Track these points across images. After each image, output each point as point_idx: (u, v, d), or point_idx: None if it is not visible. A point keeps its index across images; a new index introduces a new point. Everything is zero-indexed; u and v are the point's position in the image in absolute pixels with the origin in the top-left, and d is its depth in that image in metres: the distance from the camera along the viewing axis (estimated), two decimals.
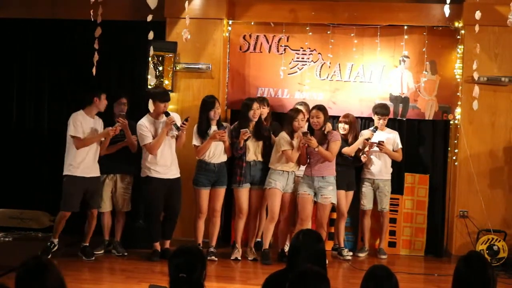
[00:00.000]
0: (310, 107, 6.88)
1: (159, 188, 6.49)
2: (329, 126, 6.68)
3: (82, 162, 6.44)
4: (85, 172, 6.46)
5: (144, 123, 6.46)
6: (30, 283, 2.86)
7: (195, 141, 6.61)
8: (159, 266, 6.25)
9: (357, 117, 7.38)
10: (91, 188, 6.52)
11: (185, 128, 6.50)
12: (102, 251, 6.78)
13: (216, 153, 6.64)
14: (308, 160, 6.53)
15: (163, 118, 6.48)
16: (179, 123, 6.49)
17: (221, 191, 6.73)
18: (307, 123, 6.63)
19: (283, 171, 6.56)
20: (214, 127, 6.64)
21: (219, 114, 6.67)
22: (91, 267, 6.35)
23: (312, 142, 6.32)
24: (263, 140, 6.73)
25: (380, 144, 6.94)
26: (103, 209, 6.79)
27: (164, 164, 6.50)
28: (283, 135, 6.52)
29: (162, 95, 6.52)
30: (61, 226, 6.52)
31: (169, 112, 6.50)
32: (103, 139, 6.57)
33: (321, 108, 6.58)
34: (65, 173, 6.47)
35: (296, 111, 6.60)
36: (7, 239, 7.43)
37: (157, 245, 6.62)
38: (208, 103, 6.62)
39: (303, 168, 6.64)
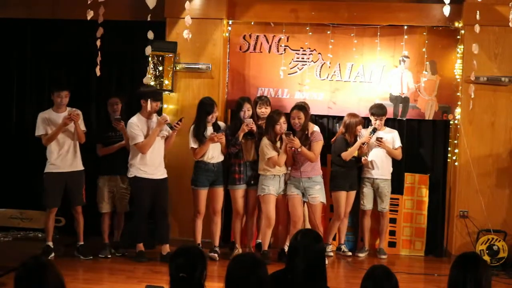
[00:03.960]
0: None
1: (147, 189, 6.45)
2: (311, 126, 6.65)
3: (58, 158, 6.50)
4: (63, 167, 6.51)
5: (136, 122, 6.45)
6: (29, 283, 2.86)
7: (193, 144, 6.59)
8: (159, 266, 6.26)
9: None
10: (71, 183, 6.55)
11: (178, 128, 6.50)
12: (109, 256, 6.68)
13: (215, 154, 6.65)
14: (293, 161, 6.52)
15: (155, 117, 6.48)
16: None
17: (220, 191, 6.74)
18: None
19: (274, 175, 6.54)
20: (210, 128, 6.65)
21: (216, 116, 6.68)
22: (91, 267, 6.35)
23: (295, 142, 6.30)
24: (254, 137, 6.69)
25: (378, 139, 6.94)
26: (103, 209, 6.80)
27: (152, 165, 6.48)
28: (266, 142, 6.48)
29: (154, 94, 6.53)
30: (50, 224, 6.57)
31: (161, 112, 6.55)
32: (71, 129, 6.52)
33: (301, 107, 6.55)
34: (44, 171, 6.56)
35: (278, 113, 6.55)
36: (7, 239, 7.44)
37: (141, 246, 6.59)
38: (207, 106, 6.61)
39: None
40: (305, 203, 6.60)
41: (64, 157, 6.52)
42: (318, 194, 6.49)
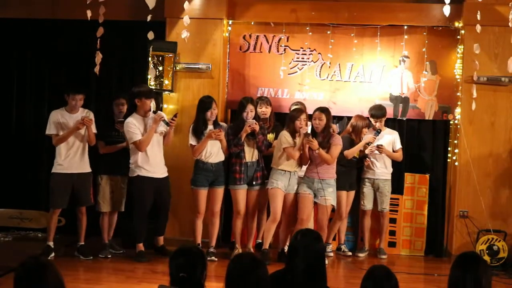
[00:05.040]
0: (307, 108, 6.90)
1: (149, 188, 6.49)
2: (334, 128, 6.67)
3: (66, 159, 6.49)
4: (70, 168, 6.49)
5: (132, 121, 6.46)
6: (29, 283, 2.85)
7: (192, 141, 6.61)
8: (159, 266, 6.26)
9: None
10: (78, 185, 6.54)
11: (174, 124, 6.54)
12: (109, 256, 6.69)
13: (213, 152, 6.63)
14: (309, 161, 6.54)
15: (151, 115, 6.49)
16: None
17: (220, 191, 6.73)
18: (310, 125, 6.63)
19: (285, 171, 6.54)
20: (210, 127, 6.65)
21: (215, 114, 6.68)
22: (90, 267, 6.35)
23: (313, 144, 6.31)
24: (255, 137, 6.65)
25: (379, 147, 6.95)
26: (104, 209, 6.78)
27: (154, 163, 6.51)
28: (285, 133, 6.52)
29: (147, 93, 6.54)
30: (53, 224, 6.55)
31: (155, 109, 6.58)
32: (82, 132, 6.50)
33: (323, 110, 6.57)
34: (52, 171, 6.55)
35: (298, 111, 6.59)
36: (7, 239, 7.44)
37: (141, 246, 6.60)
38: (205, 103, 6.63)
39: (304, 168, 6.64)
40: (315, 204, 6.59)
41: (72, 158, 6.50)
42: (330, 197, 6.48)
